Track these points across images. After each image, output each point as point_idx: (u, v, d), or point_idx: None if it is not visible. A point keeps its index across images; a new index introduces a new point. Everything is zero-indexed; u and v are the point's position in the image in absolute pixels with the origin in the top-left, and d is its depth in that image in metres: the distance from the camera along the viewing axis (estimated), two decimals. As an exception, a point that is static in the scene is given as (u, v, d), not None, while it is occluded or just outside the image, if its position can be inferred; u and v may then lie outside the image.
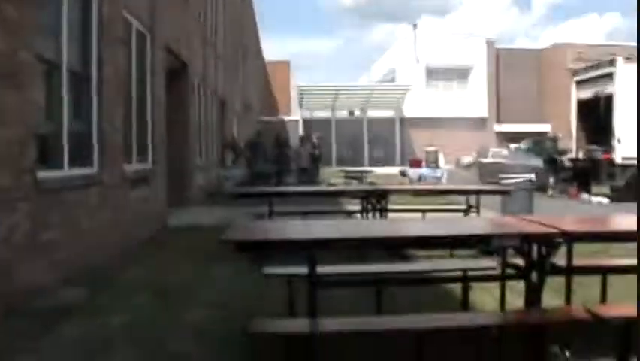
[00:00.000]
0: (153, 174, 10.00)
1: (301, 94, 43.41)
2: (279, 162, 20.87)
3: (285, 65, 64.09)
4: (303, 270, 3.79)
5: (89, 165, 7.08)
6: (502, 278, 4.56)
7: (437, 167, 19.97)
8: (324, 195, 11.33)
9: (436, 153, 20.53)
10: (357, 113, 50.39)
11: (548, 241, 3.83)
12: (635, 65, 15.18)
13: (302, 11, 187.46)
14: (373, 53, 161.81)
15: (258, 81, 45.93)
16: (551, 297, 4.43)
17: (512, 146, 26.58)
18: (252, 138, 21.76)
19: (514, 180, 8.39)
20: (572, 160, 18.14)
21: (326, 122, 44.84)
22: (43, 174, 5.62)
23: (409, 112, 44.99)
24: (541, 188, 16.10)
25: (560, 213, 12.57)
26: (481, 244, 4.95)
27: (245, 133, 29.01)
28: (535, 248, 3.94)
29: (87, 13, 7.06)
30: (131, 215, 8.45)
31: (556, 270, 4.12)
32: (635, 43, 4.24)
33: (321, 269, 3.97)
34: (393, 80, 47.19)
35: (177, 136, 13.49)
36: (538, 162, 18.07)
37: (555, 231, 3.73)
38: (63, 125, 6.25)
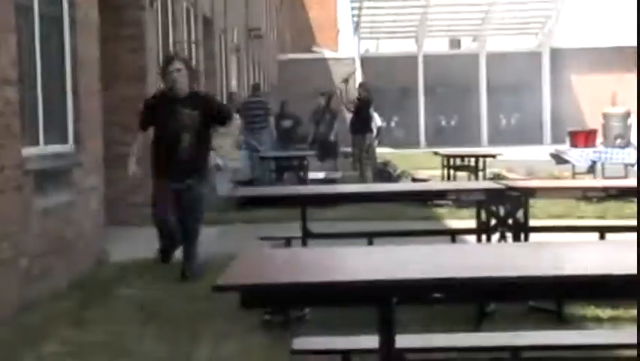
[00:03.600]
0: (78, 166, 10.05)
1: (357, 9, 43.55)
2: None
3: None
4: (369, 342, 3.73)
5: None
6: None
7: (628, 144, 19.58)
8: (402, 199, 11.25)
9: (625, 118, 20.14)
10: (466, 43, 50.30)
11: None
12: None
13: None
14: None
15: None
16: None
17: None
18: (249, 97, 22.60)
19: None
20: None
21: (407, 61, 44.87)
22: None
23: (568, 40, 44.65)
24: None
25: None
26: None
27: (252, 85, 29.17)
28: None
29: None
30: (34, 243, 8.48)
31: None
32: None
33: (404, 340, 3.91)
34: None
35: (124, 91, 13.54)
36: None
37: None
38: None
